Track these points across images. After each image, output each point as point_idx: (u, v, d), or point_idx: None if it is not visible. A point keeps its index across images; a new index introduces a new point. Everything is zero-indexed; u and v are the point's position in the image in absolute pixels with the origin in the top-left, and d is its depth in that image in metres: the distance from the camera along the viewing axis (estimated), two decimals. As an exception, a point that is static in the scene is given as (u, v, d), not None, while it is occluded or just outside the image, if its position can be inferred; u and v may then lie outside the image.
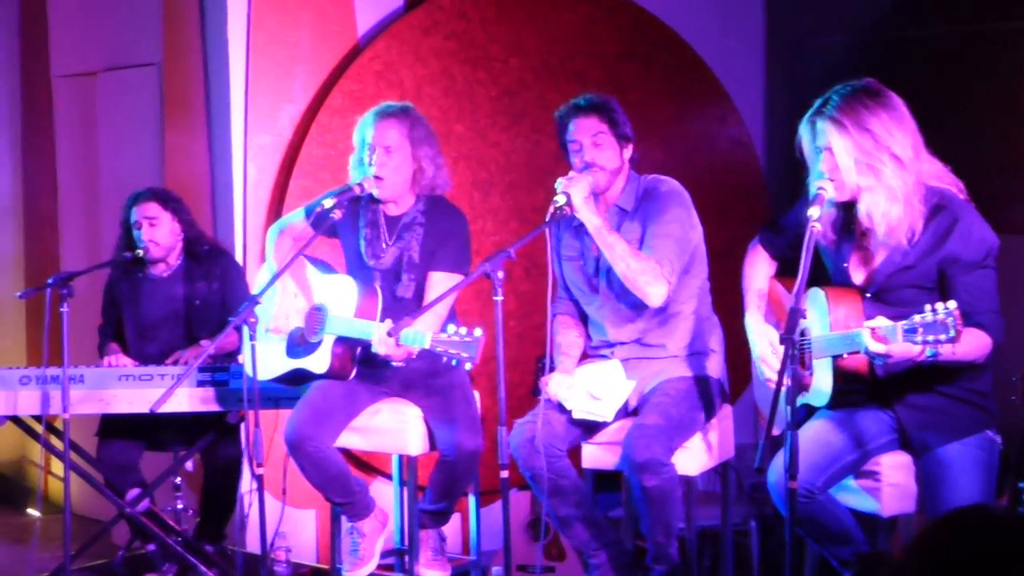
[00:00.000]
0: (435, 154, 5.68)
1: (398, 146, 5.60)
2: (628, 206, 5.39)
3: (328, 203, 5.46)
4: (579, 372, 5.40)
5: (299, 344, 5.67)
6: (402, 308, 5.48)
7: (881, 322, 4.28)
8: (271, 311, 5.68)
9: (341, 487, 5.62)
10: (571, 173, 5.27)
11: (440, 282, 5.56)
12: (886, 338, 4.25)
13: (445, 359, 5.02)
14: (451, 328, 5.00)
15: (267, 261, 5.87)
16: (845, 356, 4.46)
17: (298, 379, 5.68)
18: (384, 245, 5.66)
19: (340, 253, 5.85)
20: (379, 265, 5.65)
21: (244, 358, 5.80)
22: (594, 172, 5.31)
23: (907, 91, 4.65)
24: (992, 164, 6.63)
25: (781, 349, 4.54)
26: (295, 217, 5.84)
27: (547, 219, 5.13)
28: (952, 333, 4.14)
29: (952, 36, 7.02)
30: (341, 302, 5.56)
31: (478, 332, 4.97)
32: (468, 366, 5.01)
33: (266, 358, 5.53)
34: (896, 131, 4.49)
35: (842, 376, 4.59)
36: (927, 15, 7.22)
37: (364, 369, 5.64)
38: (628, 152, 5.41)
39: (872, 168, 4.46)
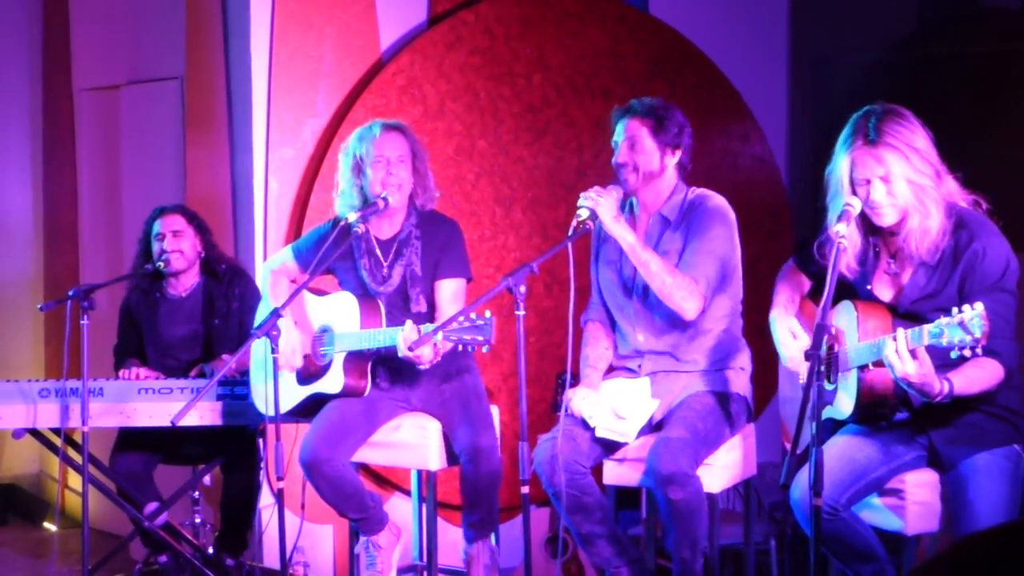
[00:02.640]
0: (429, 167, 5.74)
1: (406, 158, 5.63)
2: (672, 216, 5.34)
3: (352, 217, 5.48)
4: (604, 388, 5.36)
5: (309, 372, 5.67)
6: (417, 322, 5.46)
7: (901, 339, 4.28)
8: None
9: (356, 504, 5.59)
10: (596, 187, 5.24)
11: (450, 290, 5.62)
12: (914, 350, 4.25)
13: (460, 347, 5.00)
14: (460, 317, 4.98)
15: (264, 299, 5.89)
16: (870, 367, 4.44)
17: (315, 405, 5.67)
18: (386, 269, 5.66)
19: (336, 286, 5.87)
20: (386, 288, 5.66)
21: (253, 375, 5.79)
22: (624, 173, 5.28)
23: (932, 110, 4.64)
24: (1018, 184, 6.59)
25: (804, 340, 4.55)
26: (285, 258, 5.88)
27: (569, 234, 5.10)
28: (978, 334, 4.11)
29: (978, 56, 7.00)
30: (345, 319, 5.55)
31: (488, 314, 4.95)
32: (485, 349, 4.98)
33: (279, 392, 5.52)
34: (928, 144, 4.53)
35: (866, 390, 4.56)
36: (952, 34, 7.20)
37: (380, 384, 5.64)
38: (674, 159, 5.35)
39: (922, 187, 4.48)
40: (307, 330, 5.71)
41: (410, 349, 5.16)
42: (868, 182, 4.53)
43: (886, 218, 4.55)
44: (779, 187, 7.82)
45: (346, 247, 5.58)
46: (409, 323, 5.31)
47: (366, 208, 5.53)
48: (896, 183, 4.50)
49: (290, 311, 5.59)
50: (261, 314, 5.86)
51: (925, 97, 6.90)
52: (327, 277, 5.92)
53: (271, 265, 5.92)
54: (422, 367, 5.39)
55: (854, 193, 4.56)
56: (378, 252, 5.69)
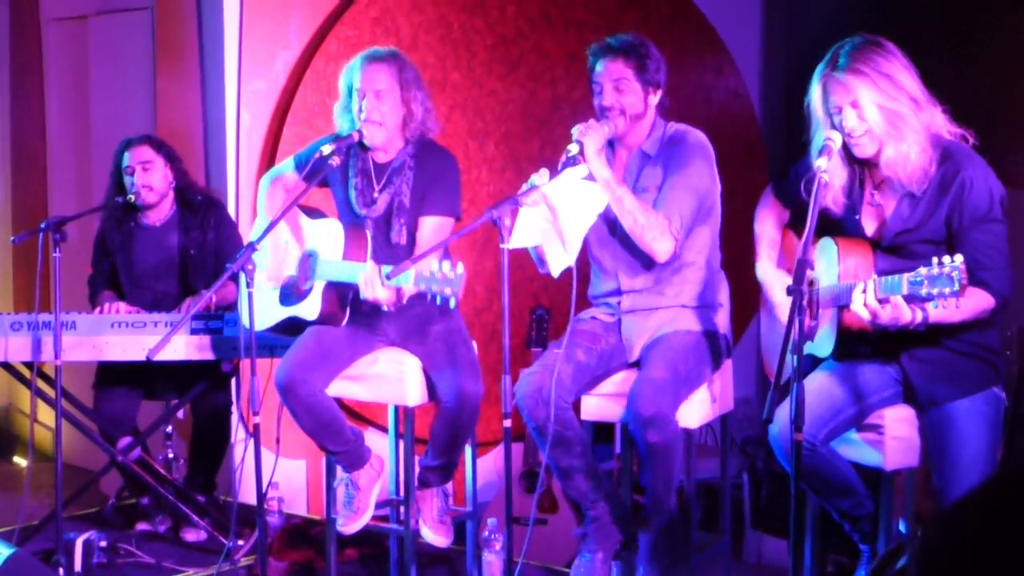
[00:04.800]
0: (424, 97, 5.63)
1: (388, 90, 5.53)
2: (652, 151, 5.32)
3: (326, 149, 5.40)
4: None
5: (292, 292, 5.61)
6: (396, 254, 5.43)
7: (871, 290, 4.28)
8: (265, 262, 5.63)
9: (335, 434, 5.55)
10: (589, 121, 5.20)
11: (431, 226, 5.51)
12: (887, 296, 4.24)
13: (428, 297, 4.96)
14: (435, 265, 4.93)
15: (259, 211, 5.81)
16: (850, 307, 4.44)
17: (291, 327, 5.62)
18: (375, 192, 5.61)
19: (332, 202, 5.80)
20: (371, 213, 5.59)
21: (240, 306, 5.74)
22: (612, 116, 5.25)
23: (909, 42, 4.62)
24: (999, 116, 6.58)
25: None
26: (286, 168, 5.80)
27: (559, 167, 5.07)
28: (956, 287, 4.11)
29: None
30: (330, 247, 5.50)
31: (460, 268, 4.90)
32: (452, 303, 4.94)
33: (260, 309, 5.47)
34: (908, 74, 4.50)
35: (845, 328, 4.57)
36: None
37: (360, 318, 5.59)
38: (655, 98, 5.34)
39: (896, 114, 4.45)
40: (297, 248, 5.65)
41: (388, 278, 5.12)
42: (840, 110, 4.51)
43: (864, 148, 4.53)
44: (753, 121, 7.80)
45: (341, 164, 5.52)
46: (370, 263, 5.26)
47: (340, 140, 5.48)
48: (867, 109, 4.47)
49: (286, 223, 5.55)
50: (259, 226, 5.79)
51: (902, 29, 6.86)
52: (324, 196, 5.87)
53: (271, 174, 5.86)
54: (385, 309, 5.35)
55: (832, 124, 4.55)
56: (372, 174, 5.64)
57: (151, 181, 6.40)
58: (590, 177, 5.10)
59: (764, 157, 7.70)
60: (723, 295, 5.41)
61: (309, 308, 5.52)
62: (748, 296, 5.10)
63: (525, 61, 7.24)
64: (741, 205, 5.24)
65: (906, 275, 4.21)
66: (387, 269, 5.12)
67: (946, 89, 4.65)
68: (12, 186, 8.64)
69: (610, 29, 6.90)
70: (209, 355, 6.07)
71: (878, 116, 4.46)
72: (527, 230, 5.05)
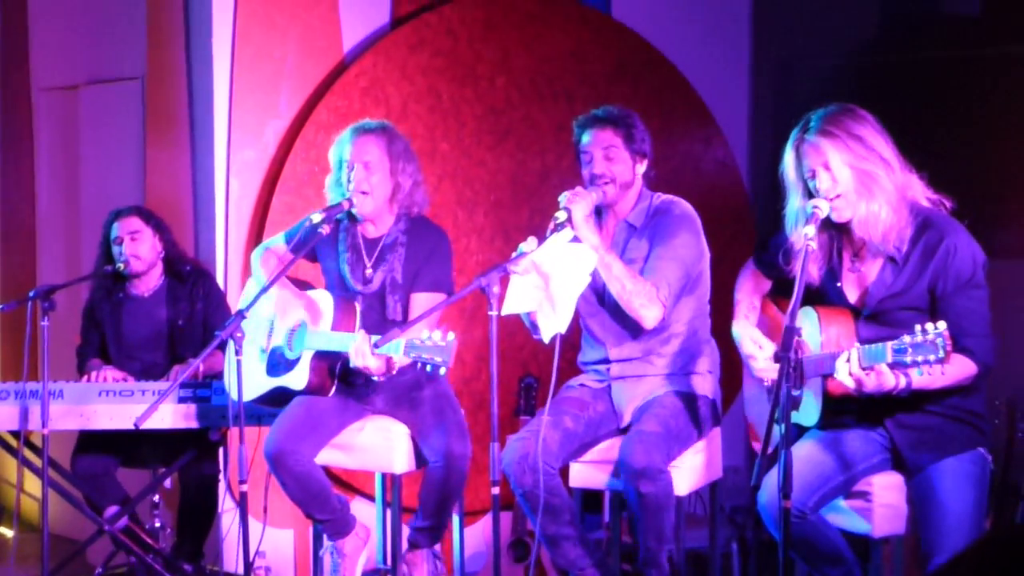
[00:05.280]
0: (414, 170, 5.66)
1: (378, 162, 5.56)
2: (638, 223, 5.36)
3: (316, 218, 5.42)
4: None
5: (279, 363, 5.62)
6: (390, 330, 5.43)
7: (855, 359, 4.29)
8: (257, 333, 5.64)
9: (322, 503, 5.55)
10: (577, 188, 5.23)
11: (423, 303, 5.53)
12: (872, 364, 4.26)
13: (419, 365, 4.97)
14: (425, 333, 4.95)
15: (254, 278, 5.82)
16: (834, 376, 4.45)
17: (278, 398, 5.62)
18: (368, 269, 5.62)
19: (321, 277, 5.82)
20: (366, 289, 5.62)
21: (227, 374, 5.73)
22: (602, 184, 5.28)
23: (895, 114, 4.67)
24: (982, 188, 6.63)
25: (769, 350, 4.57)
26: (276, 241, 5.84)
27: (547, 234, 5.08)
28: (941, 354, 4.13)
29: (940, 60, 7.03)
30: (319, 317, 5.51)
31: (451, 336, 4.92)
32: (443, 371, 4.96)
33: (247, 379, 5.46)
34: (880, 137, 4.55)
35: (830, 396, 4.57)
36: (914, 38, 7.23)
37: (348, 387, 5.59)
38: (642, 168, 5.38)
39: (868, 174, 4.49)
40: (286, 320, 5.66)
41: (374, 348, 5.14)
42: (815, 174, 4.54)
43: (841, 212, 4.54)
44: (741, 191, 7.84)
45: (330, 238, 5.53)
46: (360, 332, 5.28)
47: (330, 208, 5.49)
48: (838, 170, 4.51)
49: (275, 296, 5.55)
50: (248, 293, 5.79)
51: (887, 101, 6.90)
52: (313, 269, 5.88)
53: (264, 244, 5.89)
54: (375, 379, 5.36)
55: (806, 189, 4.58)
56: (362, 250, 5.65)
57: (139, 251, 6.41)
58: (576, 239, 5.11)
59: (752, 227, 7.74)
60: (710, 362, 5.42)
61: (297, 378, 5.52)
62: (737, 364, 5.11)
63: (514, 131, 7.27)
64: (729, 274, 5.25)
65: (890, 343, 4.22)
66: (376, 338, 5.12)
67: (929, 160, 4.68)
68: (2, 255, 8.63)
69: (599, 100, 6.92)
70: (196, 423, 6.04)
71: (850, 177, 4.50)
72: (519, 297, 5.07)
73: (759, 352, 4.89)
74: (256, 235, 6.75)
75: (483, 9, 7.21)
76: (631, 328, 5.30)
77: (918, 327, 4.17)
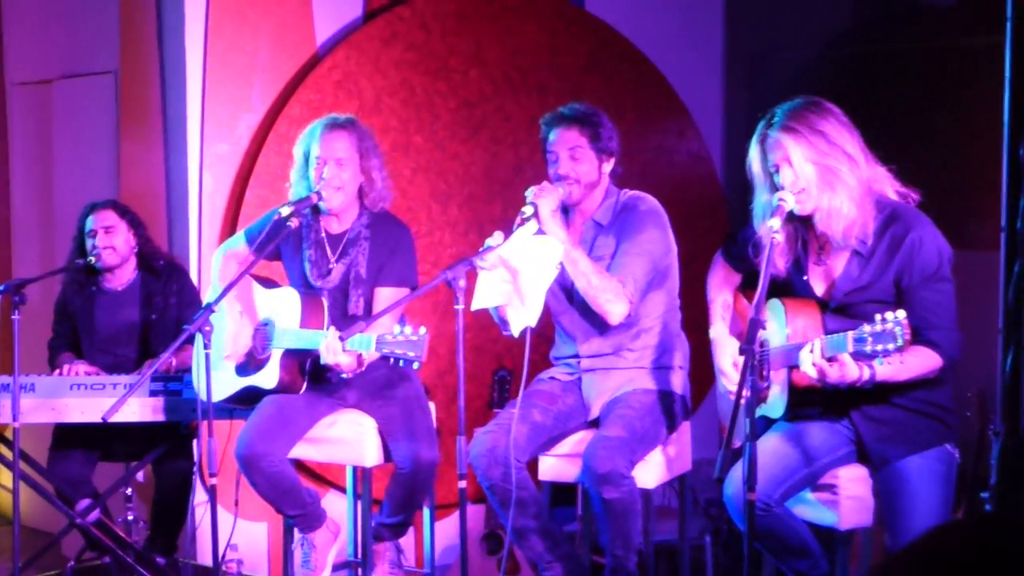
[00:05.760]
0: (380, 166, 5.67)
1: (348, 158, 5.56)
2: (604, 220, 5.36)
3: (286, 211, 5.42)
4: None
5: (248, 362, 5.62)
6: (353, 325, 5.43)
7: (817, 349, 4.31)
8: (222, 337, 5.63)
9: (293, 499, 5.56)
10: (544, 183, 5.24)
11: (388, 298, 5.53)
12: (835, 355, 4.27)
13: (392, 361, 4.98)
14: (396, 328, 4.96)
15: (212, 285, 5.83)
16: (799, 368, 4.46)
17: (248, 397, 5.62)
18: (330, 264, 5.62)
19: (284, 277, 5.82)
20: (326, 284, 5.61)
21: (195, 368, 5.73)
22: (567, 184, 5.28)
23: (868, 106, 4.67)
24: (954, 179, 6.64)
25: (741, 361, 4.57)
26: (236, 242, 5.82)
27: (514, 228, 5.09)
28: (900, 343, 4.15)
29: (913, 52, 7.04)
30: (286, 315, 5.51)
31: (423, 330, 4.93)
32: (416, 365, 4.97)
33: (217, 379, 5.46)
34: (844, 132, 4.55)
35: (796, 388, 4.58)
36: (888, 30, 7.24)
37: (318, 384, 5.59)
38: (609, 166, 5.39)
39: (830, 169, 4.49)
40: (252, 320, 5.66)
41: (342, 340, 5.15)
42: (778, 168, 4.55)
43: (804, 205, 4.55)
44: (715, 184, 7.85)
45: (293, 235, 5.54)
46: (332, 330, 5.28)
47: (299, 202, 5.49)
48: (800, 166, 4.52)
49: (237, 298, 5.55)
50: (213, 294, 5.79)
51: (861, 93, 6.93)
52: (278, 266, 5.88)
53: (223, 248, 5.88)
54: (344, 376, 5.37)
55: (772, 183, 4.59)
56: (326, 245, 5.65)
57: (113, 243, 6.41)
58: (541, 232, 5.12)
59: (726, 220, 7.75)
60: (680, 357, 5.44)
61: (267, 377, 5.52)
62: (709, 358, 5.12)
63: (488, 124, 7.27)
64: (702, 269, 5.26)
65: (851, 333, 4.25)
66: (353, 341, 5.13)
67: (898, 150, 4.69)
68: (-23, 250, 8.63)
69: (573, 93, 6.97)
70: (167, 417, 6.04)
71: (812, 173, 4.50)
72: (488, 292, 5.08)
73: (732, 372, 4.89)
74: (230, 229, 6.74)
75: (456, 2, 7.21)
76: (600, 325, 5.31)
77: (878, 316, 4.19)
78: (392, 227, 5.66)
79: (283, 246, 5.67)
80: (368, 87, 7.01)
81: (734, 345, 4.91)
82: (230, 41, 6.79)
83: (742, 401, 4.22)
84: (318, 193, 5.50)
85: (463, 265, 4.85)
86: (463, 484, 4.87)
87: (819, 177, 4.51)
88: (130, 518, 6.57)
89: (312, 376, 5.52)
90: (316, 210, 5.59)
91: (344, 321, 5.45)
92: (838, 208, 4.50)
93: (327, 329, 5.34)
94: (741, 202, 7.42)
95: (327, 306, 5.51)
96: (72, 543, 6.72)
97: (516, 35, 7.35)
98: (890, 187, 4.61)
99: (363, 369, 5.29)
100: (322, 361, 5.27)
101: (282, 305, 5.53)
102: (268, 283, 5.75)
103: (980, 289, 5.50)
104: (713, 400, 6.76)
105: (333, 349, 5.20)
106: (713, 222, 7.67)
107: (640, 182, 5.55)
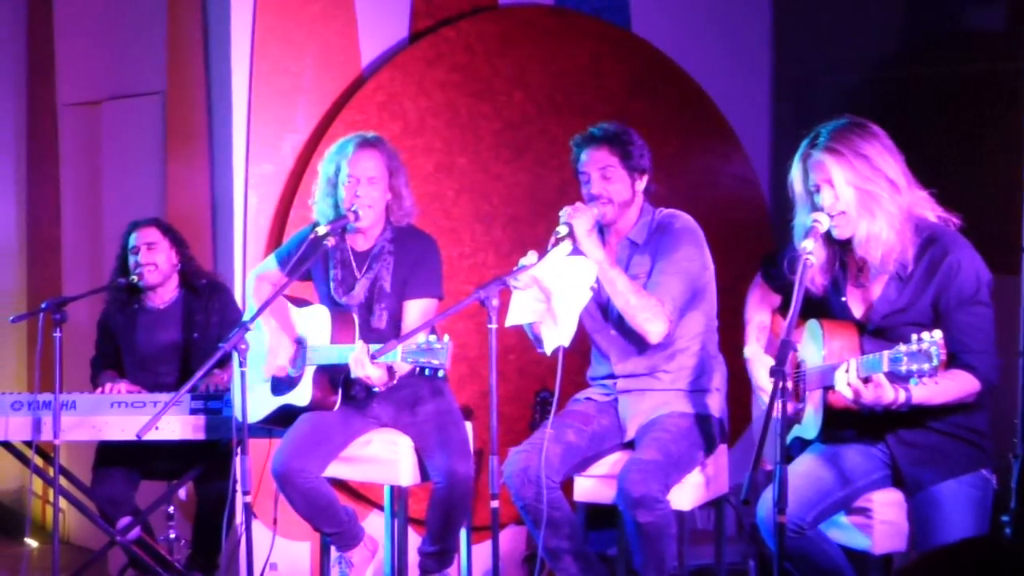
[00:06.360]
0: (406, 183, 5.70)
1: (379, 176, 5.60)
2: (640, 239, 5.35)
3: (322, 230, 5.44)
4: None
5: (283, 381, 5.65)
6: (379, 339, 5.43)
7: (853, 369, 4.27)
8: (261, 356, 5.65)
9: (330, 517, 5.57)
10: (578, 204, 5.23)
11: (416, 309, 5.56)
12: (870, 375, 4.24)
13: (417, 370, 4.99)
14: (420, 337, 4.96)
15: (249, 308, 5.86)
16: (835, 388, 4.42)
17: (285, 417, 5.65)
18: (355, 280, 5.63)
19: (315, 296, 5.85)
20: (352, 300, 5.63)
21: (232, 387, 5.75)
22: (601, 204, 5.27)
23: (915, 129, 4.63)
24: (1002, 204, 6.58)
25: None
26: (268, 265, 5.88)
27: (548, 248, 5.09)
28: (935, 362, 4.10)
29: (962, 75, 6.98)
30: (318, 332, 5.53)
31: (447, 338, 4.94)
32: (441, 373, 4.97)
33: (253, 400, 5.49)
34: (888, 156, 4.51)
35: (831, 409, 4.55)
36: (937, 53, 7.18)
37: (352, 401, 5.61)
38: (642, 184, 5.36)
39: (870, 195, 4.45)
40: (289, 338, 5.68)
41: (372, 359, 5.16)
42: (819, 188, 4.52)
43: (842, 229, 4.52)
44: (761, 207, 7.81)
45: (321, 255, 5.56)
46: (359, 343, 5.29)
47: (336, 221, 5.51)
48: (841, 188, 4.48)
49: (273, 317, 5.58)
50: (249, 313, 5.82)
51: (909, 116, 6.89)
52: (308, 285, 5.90)
53: (256, 271, 5.92)
54: (376, 389, 5.38)
55: (813, 203, 4.55)
56: (352, 264, 5.67)
57: (156, 260, 6.45)
58: (576, 252, 5.11)
59: (772, 243, 7.70)
60: (718, 379, 5.40)
61: (300, 395, 5.55)
62: (747, 380, 5.08)
63: (532, 146, 7.27)
64: (746, 290, 5.23)
65: (886, 352, 4.20)
66: (375, 347, 5.14)
67: (944, 174, 4.65)
68: (28, 269, 8.71)
69: (617, 115, 6.92)
70: (207, 435, 6.07)
71: (852, 196, 4.47)
72: (522, 309, 5.08)
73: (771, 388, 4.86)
74: (274, 248, 6.75)
75: (500, 24, 7.22)
76: (636, 343, 5.29)
77: (914, 336, 4.15)
78: (416, 240, 5.67)
79: (313, 268, 5.69)
80: (412, 108, 7.03)
81: (771, 362, 4.87)
82: (275, 62, 6.82)
83: (771, 422, 4.19)
84: (355, 212, 5.52)
85: (496, 284, 4.86)
86: (495, 504, 4.86)
87: (859, 201, 4.47)
88: (172, 536, 6.59)
89: (345, 392, 5.53)
90: (343, 228, 5.61)
91: (369, 335, 5.47)
92: (877, 234, 4.46)
93: (336, 346, 5.37)
94: (788, 225, 7.42)
95: (358, 322, 5.53)
96: (117, 560, 6.75)
97: (560, 57, 7.35)
98: (931, 211, 4.56)
99: (395, 382, 5.30)
100: (351, 374, 5.29)
101: (313, 322, 5.56)
102: (300, 302, 5.77)
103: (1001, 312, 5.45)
104: (755, 424, 6.73)
105: (360, 361, 5.22)
106: (759, 245, 7.63)
107: (686, 205, 5.52)
